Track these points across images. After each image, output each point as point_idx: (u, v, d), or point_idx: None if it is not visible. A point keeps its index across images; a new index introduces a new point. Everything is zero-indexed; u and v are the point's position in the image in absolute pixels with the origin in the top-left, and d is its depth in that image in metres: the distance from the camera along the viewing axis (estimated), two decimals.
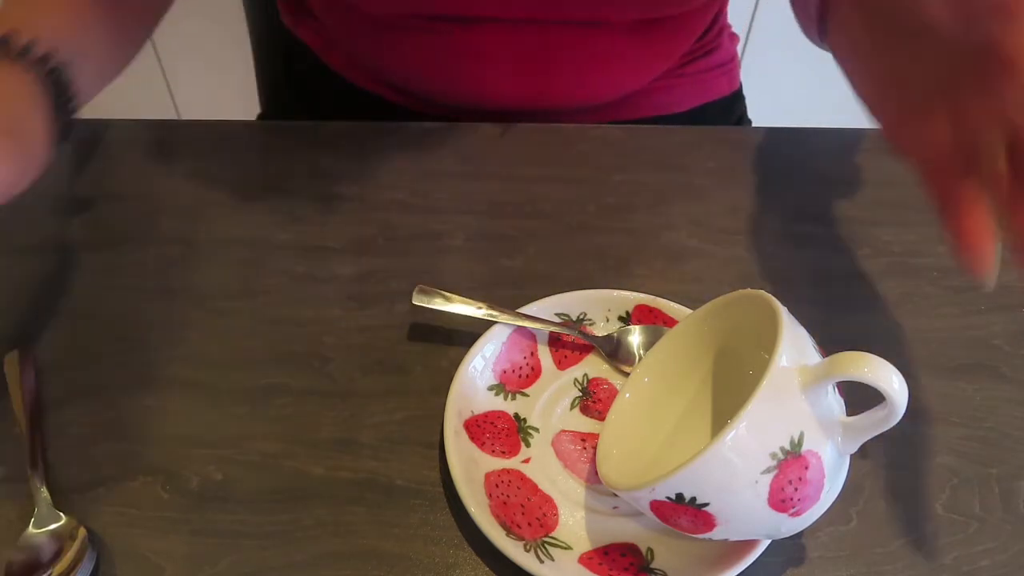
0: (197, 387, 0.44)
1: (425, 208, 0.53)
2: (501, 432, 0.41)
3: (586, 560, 0.37)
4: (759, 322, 0.35)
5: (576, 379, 0.44)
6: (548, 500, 0.39)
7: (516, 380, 0.44)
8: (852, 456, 0.34)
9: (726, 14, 0.70)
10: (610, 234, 0.51)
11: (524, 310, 0.44)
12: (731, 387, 0.40)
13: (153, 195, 0.54)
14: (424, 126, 0.58)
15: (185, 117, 1.45)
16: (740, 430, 0.30)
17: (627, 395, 0.41)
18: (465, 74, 0.60)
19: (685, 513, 0.32)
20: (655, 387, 0.41)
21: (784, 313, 0.34)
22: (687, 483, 0.31)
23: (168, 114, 1.44)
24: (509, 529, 0.37)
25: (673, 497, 0.32)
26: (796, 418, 0.31)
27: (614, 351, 0.45)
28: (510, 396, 0.43)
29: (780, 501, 0.31)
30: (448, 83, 0.61)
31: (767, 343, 0.33)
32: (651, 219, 0.52)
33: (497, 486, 0.39)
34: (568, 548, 0.37)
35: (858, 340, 0.46)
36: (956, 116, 0.33)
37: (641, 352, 0.45)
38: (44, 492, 0.38)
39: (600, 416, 0.43)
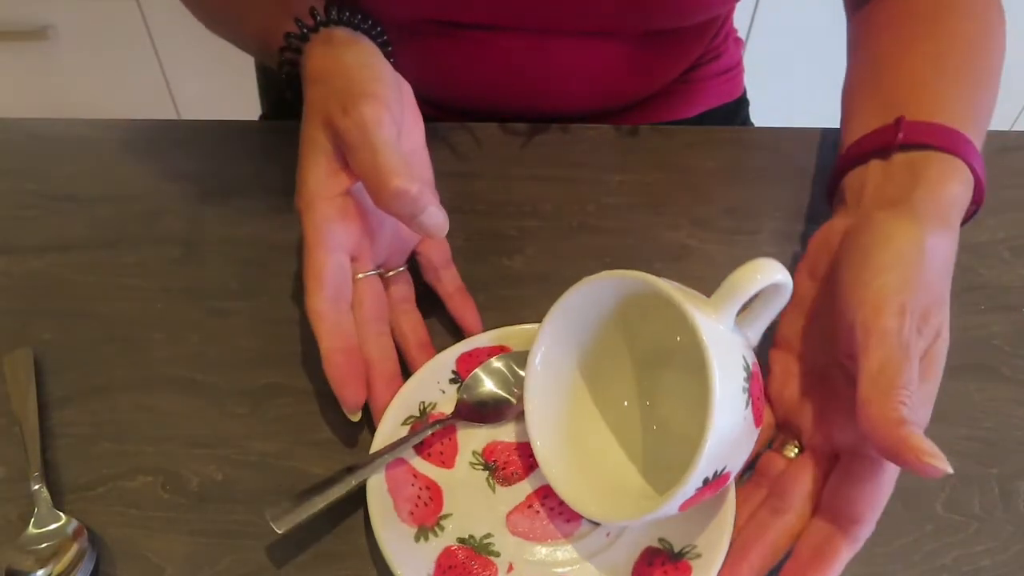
0: (197, 387, 0.44)
1: None
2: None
3: None
4: (614, 301, 0.38)
5: (471, 464, 0.40)
6: None
7: (424, 510, 0.38)
8: None
9: (731, 19, 0.70)
10: (610, 234, 0.51)
11: (374, 446, 0.39)
12: (636, 367, 0.42)
13: (153, 195, 0.54)
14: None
15: (185, 117, 1.45)
16: (719, 384, 0.32)
17: (538, 442, 0.39)
18: (472, 79, 0.60)
19: (710, 488, 0.34)
20: (557, 412, 0.40)
21: (653, 278, 0.35)
22: (711, 461, 0.32)
23: (168, 114, 1.44)
24: None
25: (701, 484, 0.33)
26: (736, 348, 0.34)
27: (475, 414, 0.41)
28: (434, 531, 0.38)
29: (757, 418, 0.35)
30: (454, 88, 0.61)
31: (643, 313, 0.37)
32: (651, 219, 0.52)
33: None
34: None
35: None
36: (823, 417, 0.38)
37: (501, 393, 0.42)
38: (44, 492, 0.38)
39: (522, 474, 0.40)
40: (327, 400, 0.43)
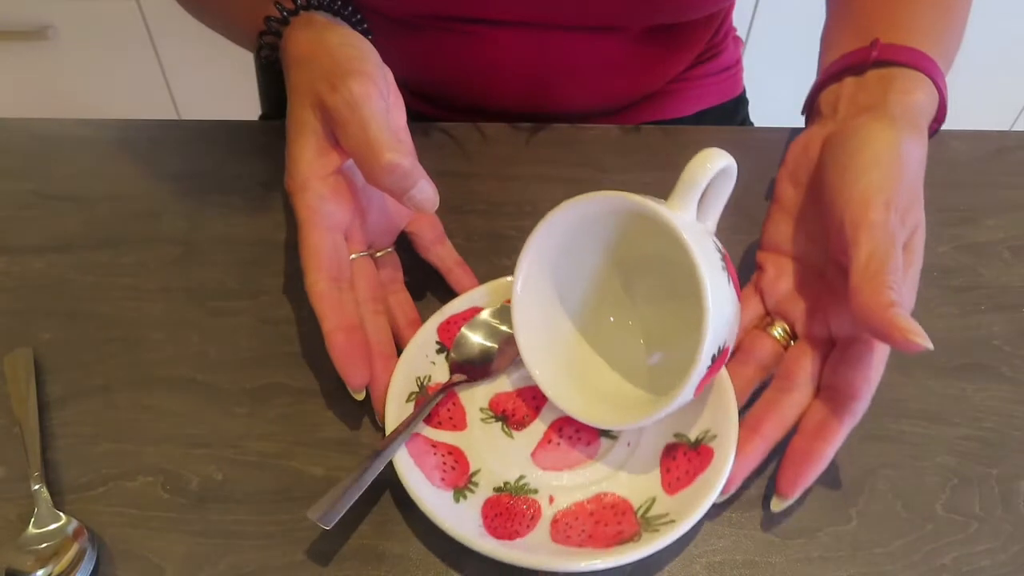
0: (197, 387, 0.44)
1: None
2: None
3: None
4: (587, 225, 0.40)
5: (483, 420, 0.42)
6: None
7: (453, 473, 0.39)
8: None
9: (731, 18, 0.70)
10: None
11: (388, 428, 0.39)
12: (616, 283, 0.44)
13: (153, 195, 0.54)
14: (424, 126, 0.58)
15: (185, 117, 1.45)
16: (704, 265, 0.34)
17: (537, 371, 0.40)
18: (475, 77, 0.60)
19: (715, 366, 0.36)
20: (549, 339, 0.41)
21: (616, 194, 0.36)
22: (715, 338, 0.34)
23: (168, 114, 1.44)
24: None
25: (710, 362, 0.35)
26: (706, 235, 0.37)
27: (471, 372, 0.42)
28: (469, 489, 0.39)
29: (738, 296, 0.37)
30: (457, 85, 0.61)
31: (616, 231, 0.40)
32: None
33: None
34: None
35: None
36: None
37: (488, 344, 0.43)
38: (44, 492, 0.38)
39: (532, 415, 0.42)
40: (327, 400, 0.43)
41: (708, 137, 0.58)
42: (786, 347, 0.41)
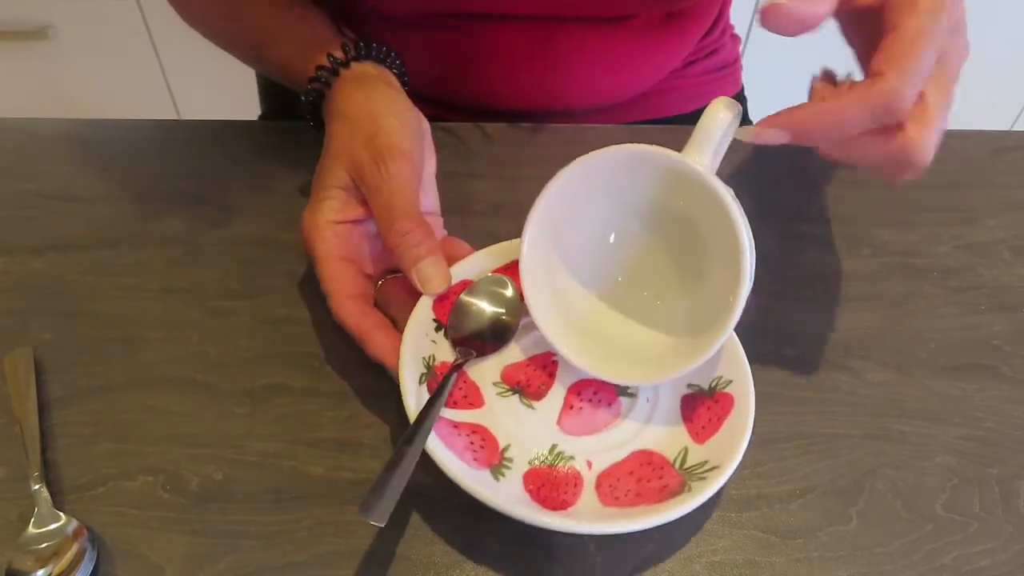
0: (197, 387, 0.44)
1: None
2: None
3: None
4: (592, 186, 0.39)
5: (499, 394, 0.41)
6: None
7: (483, 452, 0.39)
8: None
9: (728, 13, 0.70)
10: None
11: (411, 414, 0.38)
12: (622, 239, 0.43)
13: (153, 195, 0.54)
14: None
15: (185, 117, 1.45)
16: (735, 211, 0.36)
17: (551, 335, 0.40)
18: (478, 74, 0.60)
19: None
20: (559, 304, 0.41)
21: (631, 147, 0.37)
22: (751, 273, 0.35)
23: (168, 114, 1.44)
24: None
25: (746, 298, 0.35)
26: (715, 183, 0.36)
27: (481, 345, 0.42)
28: (505, 465, 0.39)
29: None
30: (460, 83, 0.61)
31: (621, 186, 0.40)
32: None
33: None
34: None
35: (857, 340, 0.46)
36: None
37: (493, 310, 0.43)
38: (44, 492, 0.38)
39: (548, 383, 0.41)
40: (327, 400, 0.43)
41: None
42: None
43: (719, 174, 0.37)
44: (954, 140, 0.58)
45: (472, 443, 0.39)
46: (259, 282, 0.49)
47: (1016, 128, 1.49)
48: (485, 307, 0.43)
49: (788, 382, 0.44)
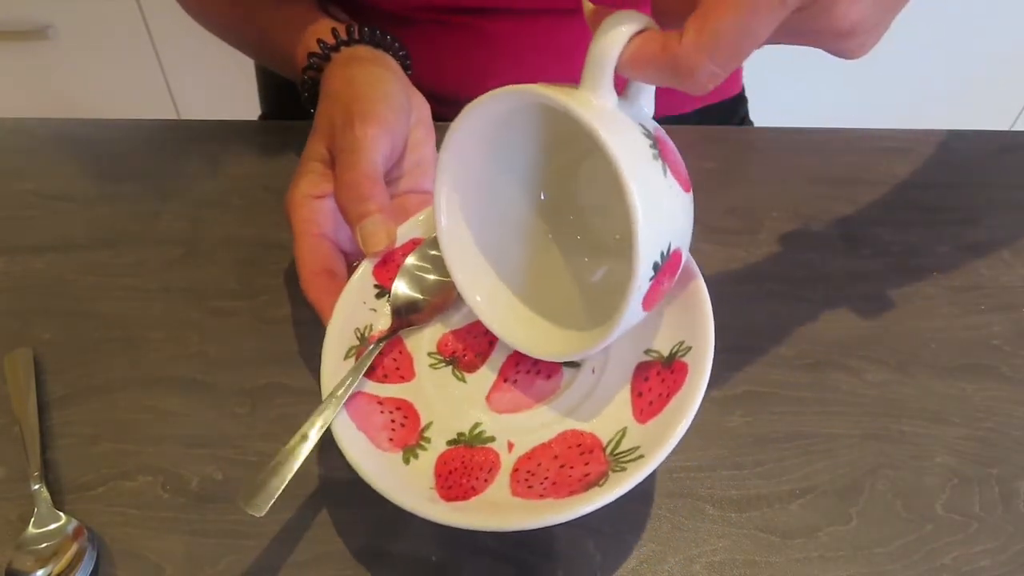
0: (197, 387, 0.44)
1: None
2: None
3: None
4: (500, 133, 0.34)
5: (431, 366, 0.38)
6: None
7: (402, 431, 0.36)
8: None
9: None
10: None
11: (324, 392, 0.36)
12: (546, 193, 0.38)
13: (153, 195, 0.54)
14: None
15: (185, 117, 1.45)
16: (622, 158, 0.28)
17: (478, 305, 0.36)
18: (477, 69, 0.60)
19: (666, 274, 0.30)
20: (485, 266, 0.37)
21: (514, 88, 0.30)
22: (652, 241, 0.29)
23: (168, 114, 1.44)
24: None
25: (653, 271, 0.29)
26: (627, 120, 0.30)
27: (415, 314, 0.38)
28: (421, 446, 0.35)
29: (684, 184, 0.31)
30: (460, 79, 0.61)
31: (535, 133, 0.35)
32: None
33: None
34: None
35: (857, 340, 0.46)
36: None
37: (433, 278, 0.39)
38: (44, 492, 0.38)
39: (485, 353, 0.37)
40: None
41: (708, 137, 0.58)
42: None
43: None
44: (954, 140, 0.59)
45: (393, 420, 0.35)
46: (259, 282, 0.49)
47: (1016, 128, 1.49)
48: (424, 273, 0.39)
49: (788, 382, 0.44)
